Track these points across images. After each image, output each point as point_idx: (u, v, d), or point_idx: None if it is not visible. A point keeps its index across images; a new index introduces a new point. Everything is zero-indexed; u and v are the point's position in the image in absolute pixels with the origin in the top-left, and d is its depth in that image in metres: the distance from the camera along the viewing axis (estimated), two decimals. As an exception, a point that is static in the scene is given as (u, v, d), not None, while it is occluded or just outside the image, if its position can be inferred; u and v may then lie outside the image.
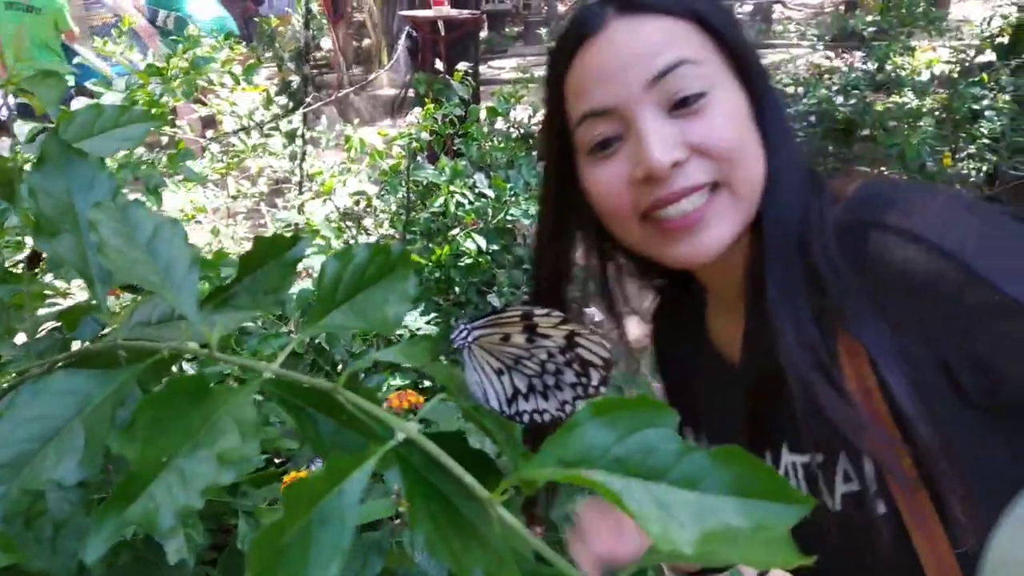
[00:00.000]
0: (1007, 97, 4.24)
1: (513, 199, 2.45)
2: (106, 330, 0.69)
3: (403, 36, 3.94)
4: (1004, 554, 0.42)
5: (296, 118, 2.92)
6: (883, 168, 4.50)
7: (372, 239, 3.00)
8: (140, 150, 2.29)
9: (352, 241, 2.85)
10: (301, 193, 2.94)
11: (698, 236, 0.64)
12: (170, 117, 2.76)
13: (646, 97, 0.63)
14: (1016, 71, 4.60)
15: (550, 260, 0.76)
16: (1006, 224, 0.63)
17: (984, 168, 4.20)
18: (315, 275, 2.28)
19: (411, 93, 4.08)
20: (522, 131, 3.16)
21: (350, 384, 0.44)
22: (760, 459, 0.65)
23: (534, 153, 5.06)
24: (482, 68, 9.83)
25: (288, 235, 0.63)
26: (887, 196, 0.65)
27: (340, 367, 1.83)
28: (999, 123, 4.17)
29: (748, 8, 14.98)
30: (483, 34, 12.11)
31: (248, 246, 0.63)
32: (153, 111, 1.85)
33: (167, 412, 0.36)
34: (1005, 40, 5.11)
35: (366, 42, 5.07)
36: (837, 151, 4.86)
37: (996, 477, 0.65)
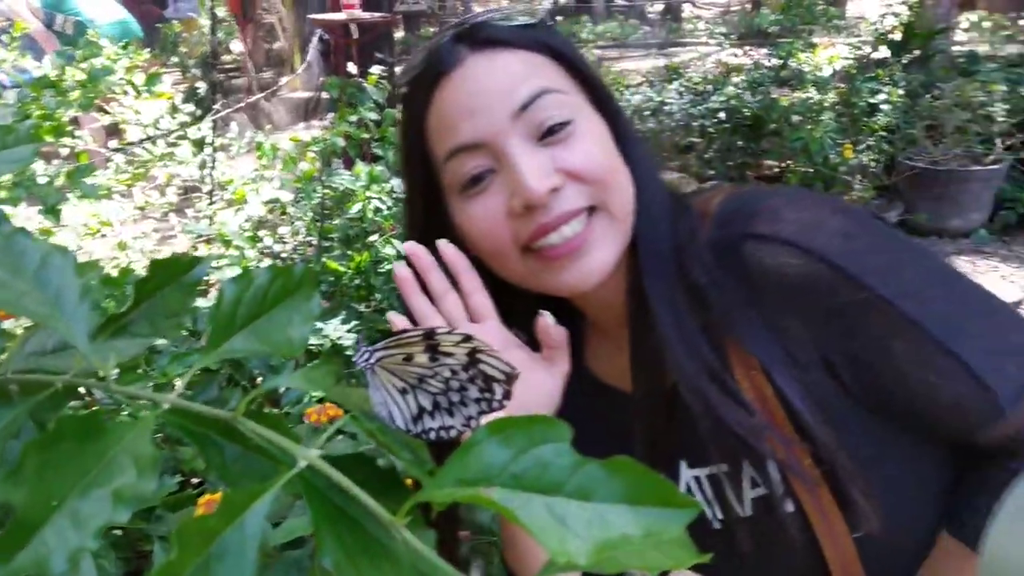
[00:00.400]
0: (900, 91, 4.47)
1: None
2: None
3: (314, 39, 3.88)
4: (999, 552, 0.44)
5: (205, 125, 2.84)
6: (790, 161, 4.68)
7: (288, 247, 2.94)
8: (38, 165, 2.19)
9: (267, 250, 2.80)
10: (212, 203, 2.86)
11: (582, 261, 0.65)
12: (70, 128, 2.65)
13: (513, 128, 0.63)
14: (907, 67, 4.85)
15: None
16: (866, 221, 0.67)
17: (882, 159, 4.42)
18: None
19: (325, 96, 4.02)
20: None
21: (261, 405, 0.43)
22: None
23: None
24: (397, 70, 9.75)
25: (187, 255, 0.62)
26: (752, 206, 0.67)
27: (261, 378, 1.79)
28: (894, 116, 4.39)
29: (659, 7, 15.31)
30: (398, 35, 12.00)
31: (159, 258, 0.61)
32: (48, 124, 1.76)
33: (57, 453, 0.35)
34: (897, 37, 5.38)
35: (276, 45, 4.97)
36: (746, 146, 5.02)
37: (891, 465, 0.69)
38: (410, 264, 0.70)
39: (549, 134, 0.64)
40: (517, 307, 0.74)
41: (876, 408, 0.67)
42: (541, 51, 0.66)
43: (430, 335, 0.40)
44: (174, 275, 0.58)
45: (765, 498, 0.69)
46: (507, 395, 0.40)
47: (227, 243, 2.57)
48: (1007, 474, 0.68)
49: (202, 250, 2.58)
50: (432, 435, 0.42)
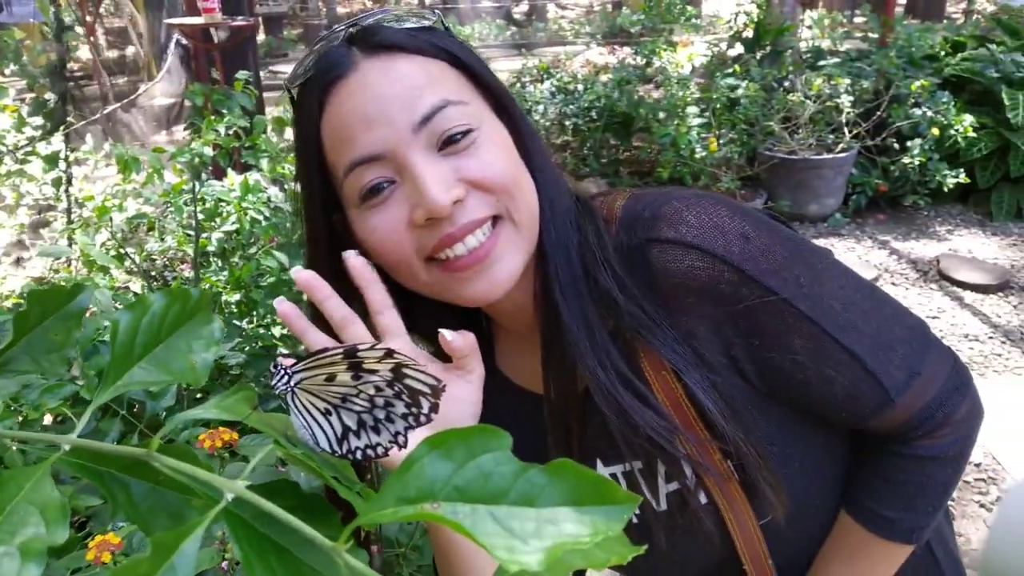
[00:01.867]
0: (756, 86, 4.74)
1: (312, 211, 2.38)
2: None
3: (172, 44, 3.69)
4: (996, 559, 0.46)
5: (56, 139, 2.64)
6: (660, 156, 4.86)
7: (159, 264, 2.79)
8: None
9: (136, 268, 2.64)
10: (71, 222, 2.67)
11: (489, 271, 0.64)
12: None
13: (415, 140, 0.61)
14: (761, 62, 5.15)
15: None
16: (761, 222, 0.70)
17: (744, 151, 4.67)
18: (95, 311, 2.07)
19: (188, 104, 3.83)
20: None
21: (170, 440, 0.41)
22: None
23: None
24: (263, 74, 9.42)
25: (68, 284, 0.57)
26: (653, 210, 0.68)
27: (139, 407, 1.68)
28: (752, 110, 4.65)
29: (524, 8, 15.54)
30: (260, 38, 11.61)
31: (8, 285, 0.56)
32: None
33: (-52, 511, 0.32)
34: (750, 34, 5.70)
35: (130, 51, 4.68)
36: (618, 143, 5.18)
37: (796, 454, 0.74)
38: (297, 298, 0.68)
39: (450, 143, 0.62)
40: (421, 313, 0.73)
41: (780, 399, 0.71)
42: (439, 56, 0.64)
43: (352, 353, 0.39)
44: (55, 306, 0.54)
45: (679, 492, 0.71)
46: (434, 408, 0.40)
47: (90, 264, 2.41)
48: (899, 458, 0.74)
49: (62, 273, 2.40)
50: (359, 454, 0.41)
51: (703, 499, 0.70)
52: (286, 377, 0.41)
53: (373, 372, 0.39)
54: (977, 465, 2.63)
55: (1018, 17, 6.20)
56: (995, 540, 0.46)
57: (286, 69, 10.92)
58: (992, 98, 4.59)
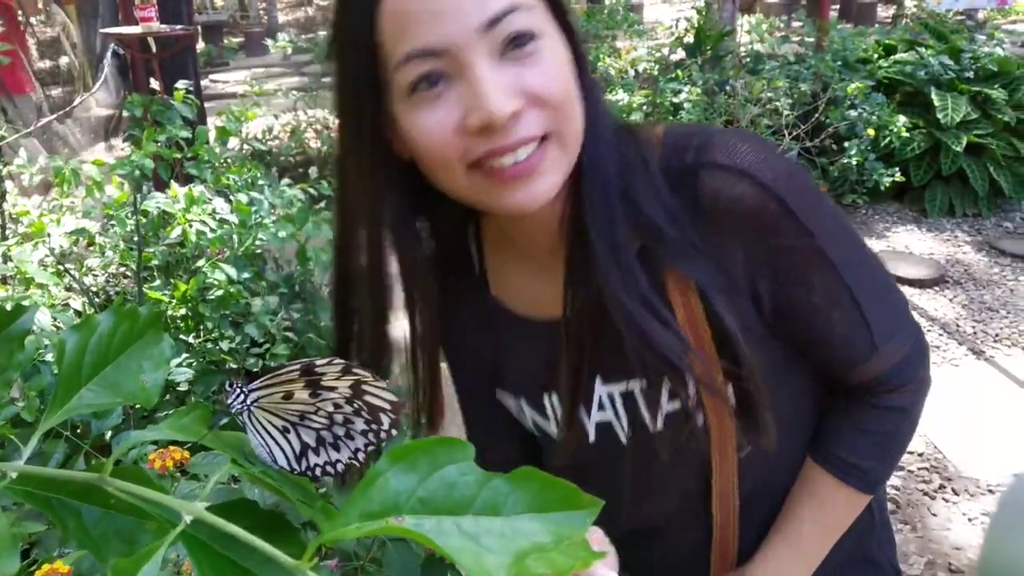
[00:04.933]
0: (699, 90, 4.83)
1: (259, 223, 2.34)
2: None
3: (108, 54, 3.60)
4: (996, 550, 0.47)
5: (-12, 153, 2.55)
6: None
7: (100, 279, 2.71)
8: None
9: (75, 285, 2.56)
10: (5, 238, 2.58)
11: (531, 185, 0.63)
12: None
13: (480, 41, 0.59)
14: (702, 67, 5.25)
15: (358, 244, 0.69)
16: (797, 168, 0.74)
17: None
18: (35, 331, 2.00)
19: (126, 114, 3.73)
20: (258, 149, 3.02)
21: (118, 461, 0.40)
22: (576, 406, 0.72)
23: (275, 171, 4.87)
24: (204, 83, 9.24)
25: (6, 303, 0.56)
26: (705, 138, 0.69)
27: (83, 427, 1.63)
28: (695, 114, 4.73)
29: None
30: (199, 46, 11.38)
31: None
32: None
33: None
34: (691, 40, 5.82)
35: (64, 61, 4.54)
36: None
37: (784, 393, 0.77)
38: None
39: (514, 47, 0.60)
40: (427, 210, 0.73)
41: (780, 337, 0.74)
42: None
43: (309, 369, 0.39)
44: (-2, 327, 0.52)
45: (680, 412, 0.72)
46: (394, 424, 0.40)
47: (28, 282, 2.32)
48: (873, 408, 0.80)
49: (-3, 292, 2.31)
50: (318, 471, 0.40)
51: (699, 421, 0.72)
52: (242, 396, 0.40)
53: (331, 389, 0.39)
54: (920, 455, 2.72)
55: (943, 21, 6.44)
56: (995, 536, 0.47)
57: (227, 78, 10.73)
58: (923, 99, 4.76)
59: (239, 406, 0.40)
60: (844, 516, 0.83)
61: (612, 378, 0.75)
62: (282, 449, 0.40)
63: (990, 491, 2.57)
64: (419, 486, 0.32)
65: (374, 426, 0.40)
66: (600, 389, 0.76)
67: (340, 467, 0.40)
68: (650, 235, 0.67)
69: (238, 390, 0.40)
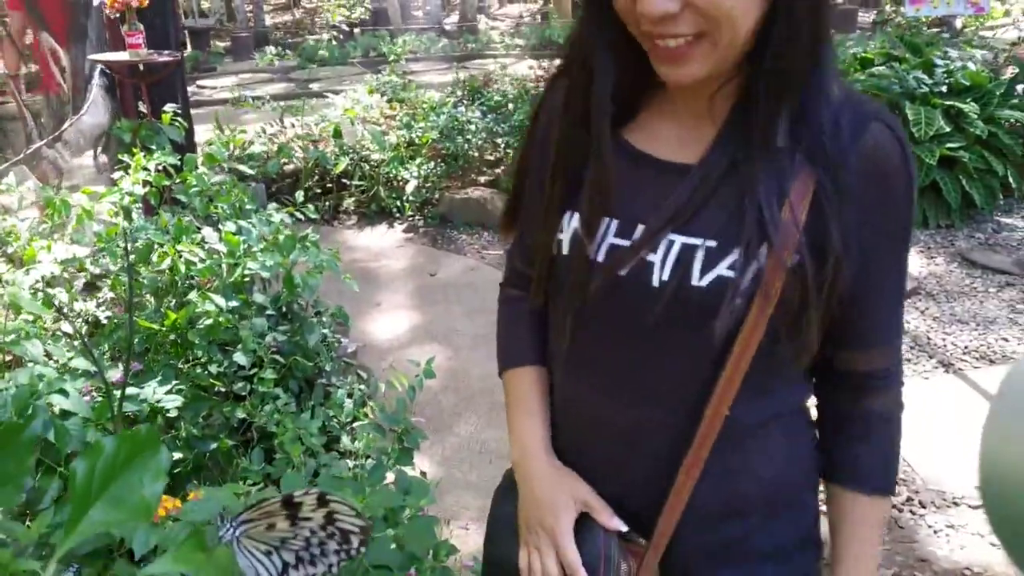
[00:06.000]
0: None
1: (247, 251, 2.41)
2: None
3: (96, 74, 3.64)
4: (995, 446, 0.48)
5: (-22, 181, 2.60)
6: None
7: (90, 305, 2.76)
8: None
9: (67, 310, 2.61)
10: (-5, 263, 2.63)
11: (677, 67, 0.75)
12: None
13: None
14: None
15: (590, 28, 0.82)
16: None
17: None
18: (28, 362, 2.05)
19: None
20: (245, 173, 3.08)
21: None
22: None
23: (261, 187, 4.91)
24: (191, 89, 9.25)
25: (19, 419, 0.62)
26: (881, 104, 0.83)
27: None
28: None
29: (454, 19, 15.60)
30: (186, 51, 11.38)
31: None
32: None
33: None
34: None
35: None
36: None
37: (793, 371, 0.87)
38: None
39: None
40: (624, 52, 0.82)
41: (828, 298, 0.80)
42: None
43: (288, 501, 0.46)
44: (10, 439, 0.59)
45: (728, 280, 0.77)
46: (363, 543, 0.47)
47: (18, 309, 2.38)
48: (860, 421, 0.90)
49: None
50: (297, 583, 0.48)
51: (739, 301, 0.77)
52: (231, 528, 0.47)
53: (308, 520, 0.46)
54: (888, 468, 2.81)
55: (918, 31, 6.56)
56: (992, 428, 0.49)
57: (214, 83, 10.75)
58: (897, 112, 4.87)
59: (229, 536, 0.47)
60: (880, 527, 0.91)
61: (691, 231, 0.80)
62: (266, 568, 0.47)
63: (955, 503, 2.66)
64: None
65: (345, 547, 0.47)
66: (671, 236, 0.81)
67: (316, 581, 0.48)
68: (803, 137, 0.77)
69: (228, 523, 0.47)
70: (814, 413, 0.96)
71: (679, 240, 0.80)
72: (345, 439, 2.31)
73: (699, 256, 0.78)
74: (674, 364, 0.83)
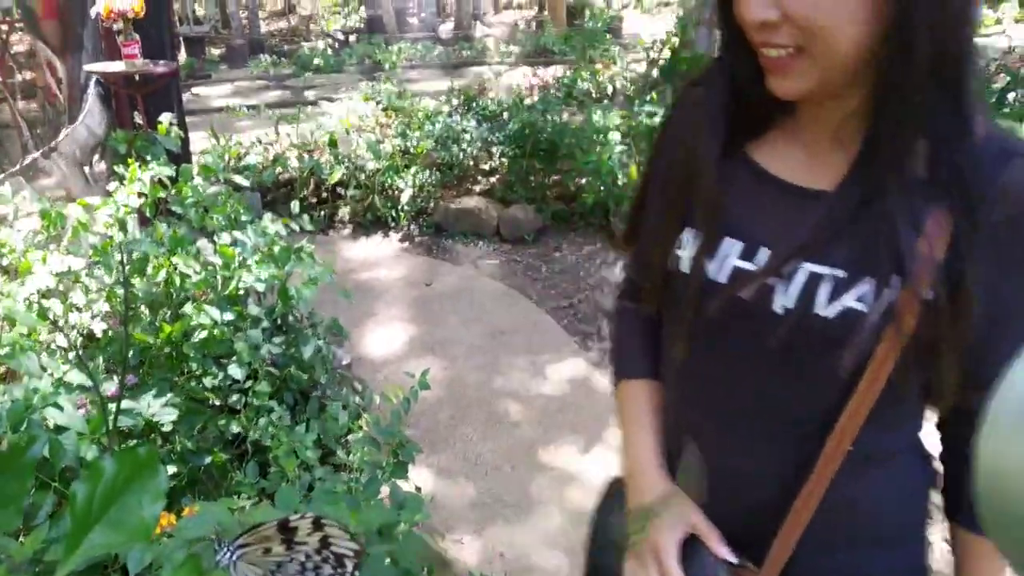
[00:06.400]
0: (672, 114, 4.93)
1: (243, 263, 2.41)
2: None
3: (91, 84, 3.65)
4: (993, 459, 0.47)
5: (-26, 192, 2.60)
6: (584, 181, 5.01)
7: (84, 317, 2.76)
8: None
9: (62, 322, 2.61)
10: (-10, 274, 2.63)
11: (779, 80, 0.76)
12: None
13: None
14: (677, 90, 5.36)
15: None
16: None
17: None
18: (24, 375, 2.05)
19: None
20: (240, 184, 3.07)
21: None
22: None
23: (257, 196, 4.92)
24: (186, 96, 9.25)
25: (23, 439, 0.63)
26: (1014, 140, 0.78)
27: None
28: (669, 137, 4.83)
29: (449, 26, 15.65)
30: (181, 59, 11.39)
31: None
32: None
33: None
34: (666, 60, 5.92)
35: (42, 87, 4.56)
36: (544, 168, 5.32)
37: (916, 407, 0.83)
38: None
39: None
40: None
41: (962, 337, 0.76)
42: None
43: (284, 525, 0.47)
44: (10, 462, 0.60)
45: (856, 313, 0.75)
46: (356, 567, 0.48)
47: (13, 323, 2.38)
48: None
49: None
50: (293, 605, 0.48)
51: (866, 335, 0.75)
52: (228, 553, 0.48)
53: (303, 544, 0.47)
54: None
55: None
56: (988, 440, 0.47)
57: (209, 91, 10.75)
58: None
59: (226, 561, 0.48)
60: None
61: (823, 260, 0.78)
62: (262, 593, 0.48)
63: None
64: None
65: (340, 570, 0.48)
66: (805, 266, 0.79)
67: (310, 604, 0.49)
68: (942, 170, 0.74)
69: (225, 547, 0.48)
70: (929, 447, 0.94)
71: (805, 267, 0.78)
72: (340, 452, 2.31)
73: (825, 285, 0.77)
74: (794, 392, 0.82)
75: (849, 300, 0.76)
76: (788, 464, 0.83)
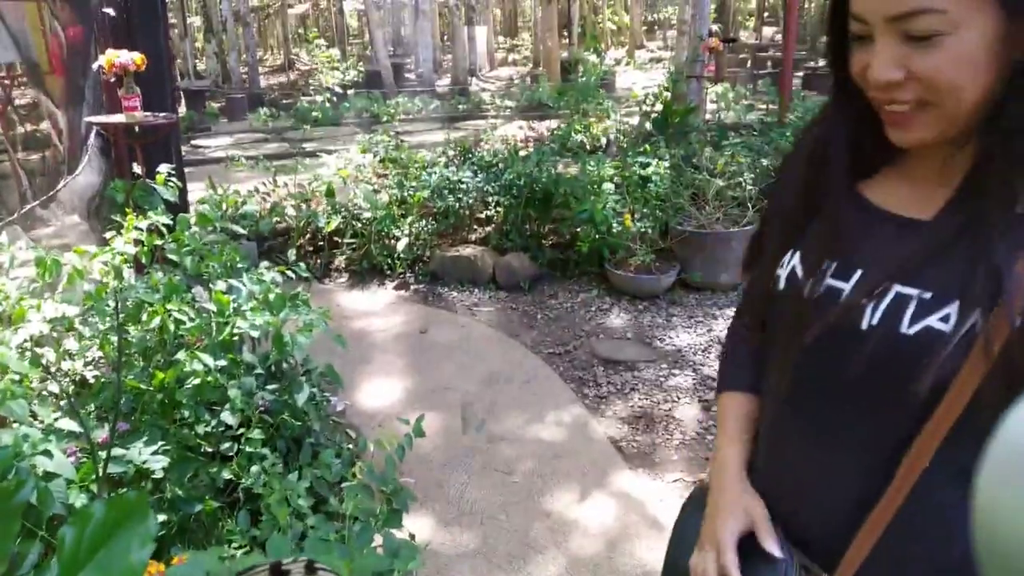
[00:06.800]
0: (666, 164, 5.01)
1: (237, 310, 2.41)
2: None
3: (92, 135, 3.69)
4: (991, 501, 0.45)
5: (-30, 240, 2.61)
6: (579, 229, 5.05)
7: (77, 365, 2.75)
8: None
9: (55, 369, 2.60)
10: (-17, 322, 2.62)
11: (901, 131, 0.82)
12: None
13: (887, 27, 0.78)
14: (669, 142, 5.46)
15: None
16: None
17: (657, 225, 4.90)
18: (14, 423, 2.03)
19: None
20: (237, 232, 3.10)
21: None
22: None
23: (254, 245, 4.94)
24: (185, 148, 9.35)
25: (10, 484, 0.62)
26: None
27: None
28: (663, 186, 4.90)
29: (446, 81, 15.93)
30: (181, 112, 11.55)
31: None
32: None
33: None
34: (658, 113, 6.04)
35: (49, 142, 4.62)
36: (539, 217, 5.36)
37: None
38: None
39: (916, 39, 0.77)
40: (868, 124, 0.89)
41: None
42: None
43: (277, 568, 0.46)
44: (-1, 504, 0.59)
45: (939, 333, 0.78)
46: (348, 609, 0.47)
47: (4, 369, 2.36)
48: None
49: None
50: (283, 649, 0.48)
51: (947, 354, 0.78)
52: (219, 594, 0.47)
53: (295, 586, 0.46)
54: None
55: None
56: (987, 482, 0.46)
57: (209, 143, 10.89)
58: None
59: (216, 603, 0.47)
60: None
61: (912, 283, 0.82)
62: (252, 636, 0.47)
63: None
64: None
65: (331, 612, 0.47)
66: (896, 288, 0.83)
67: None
68: None
69: (215, 589, 0.47)
70: None
71: (895, 288, 0.83)
72: (333, 500, 2.28)
73: (912, 305, 0.81)
74: (878, 409, 0.85)
75: (932, 320, 0.79)
76: (865, 482, 0.87)
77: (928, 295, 0.80)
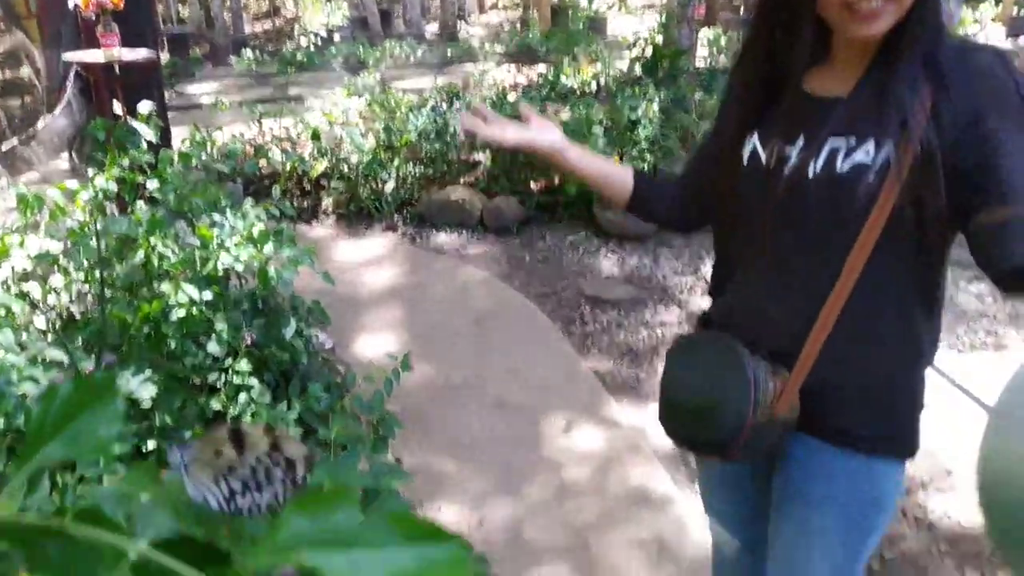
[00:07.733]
0: (655, 108, 4.97)
1: (222, 245, 2.41)
2: None
3: (71, 75, 3.63)
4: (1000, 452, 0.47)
5: (-50, 177, 2.58)
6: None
7: (63, 299, 2.75)
8: None
9: (40, 303, 2.60)
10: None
11: (873, 23, 1.00)
12: None
13: None
14: (659, 85, 5.40)
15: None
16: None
17: (647, 168, 4.89)
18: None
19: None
20: (221, 171, 3.07)
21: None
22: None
23: (239, 183, 4.91)
24: (169, 94, 9.20)
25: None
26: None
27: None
28: (651, 129, 4.87)
29: (434, 27, 15.64)
30: (164, 58, 11.33)
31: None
32: None
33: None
34: (648, 58, 5.96)
35: (24, 72, 4.54)
36: (527, 160, 5.33)
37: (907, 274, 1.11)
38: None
39: None
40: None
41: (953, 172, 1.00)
42: None
43: (236, 431, 0.48)
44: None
45: (864, 166, 1.03)
46: (309, 470, 0.49)
47: (-10, 304, 2.36)
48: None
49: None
50: (245, 511, 0.49)
51: (871, 179, 1.03)
52: (180, 456, 0.49)
53: (254, 446, 0.48)
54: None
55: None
56: (998, 432, 0.47)
57: (193, 90, 10.71)
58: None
59: (178, 463, 0.49)
60: None
61: (842, 133, 1.06)
62: (214, 495, 0.49)
63: (923, 485, 2.71)
64: (315, 528, 0.42)
65: (291, 474, 0.49)
66: (830, 141, 1.07)
67: (263, 507, 0.49)
68: (932, 71, 1.02)
69: (177, 452, 0.49)
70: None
71: (829, 142, 1.07)
72: (323, 430, 2.31)
73: (842, 150, 1.06)
74: (823, 239, 1.09)
75: (858, 156, 1.04)
76: (813, 293, 1.11)
77: (853, 139, 1.05)
